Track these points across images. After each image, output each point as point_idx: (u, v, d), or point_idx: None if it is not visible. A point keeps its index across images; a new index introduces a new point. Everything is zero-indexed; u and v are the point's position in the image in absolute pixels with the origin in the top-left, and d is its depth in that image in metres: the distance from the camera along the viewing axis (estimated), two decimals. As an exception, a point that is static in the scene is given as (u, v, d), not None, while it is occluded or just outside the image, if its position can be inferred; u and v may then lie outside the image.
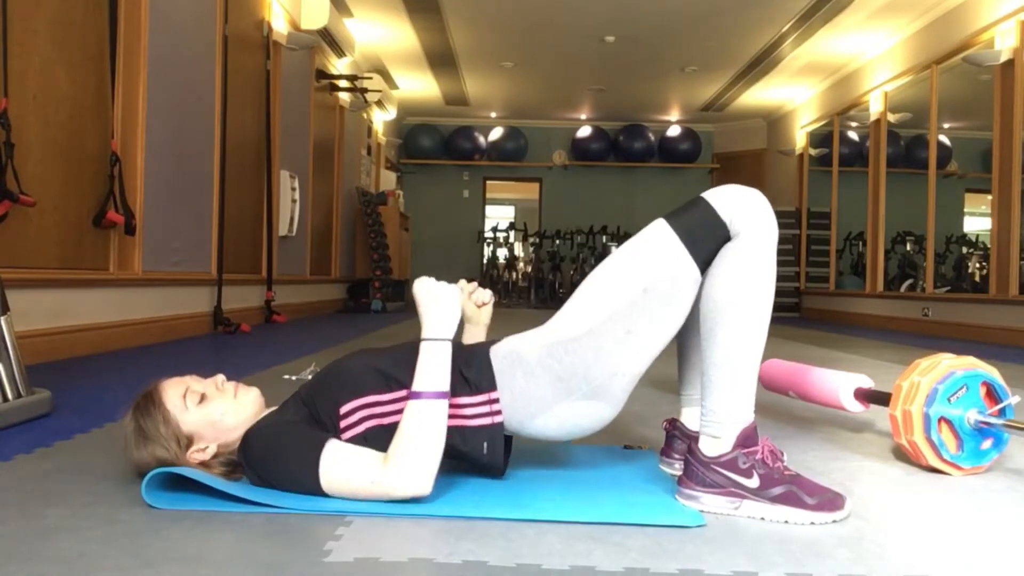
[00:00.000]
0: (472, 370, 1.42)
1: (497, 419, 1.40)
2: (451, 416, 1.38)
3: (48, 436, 1.84)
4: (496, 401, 1.40)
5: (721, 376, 1.38)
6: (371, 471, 1.30)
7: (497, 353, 1.44)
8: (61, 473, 1.52)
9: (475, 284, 1.64)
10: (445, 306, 1.39)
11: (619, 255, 1.45)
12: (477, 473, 1.48)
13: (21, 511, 1.28)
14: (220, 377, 1.45)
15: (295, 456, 1.33)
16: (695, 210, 1.42)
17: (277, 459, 1.34)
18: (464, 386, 1.41)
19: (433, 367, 1.35)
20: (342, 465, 1.31)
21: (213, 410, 1.39)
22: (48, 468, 1.56)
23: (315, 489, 1.32)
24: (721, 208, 1.40)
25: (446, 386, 1.35)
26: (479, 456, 1.40)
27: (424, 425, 1.31)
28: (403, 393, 1.38)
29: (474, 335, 1.68)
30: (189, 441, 1.37)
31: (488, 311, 1.69)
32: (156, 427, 1.35)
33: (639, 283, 1.40)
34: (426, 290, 1.40)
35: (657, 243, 1.42)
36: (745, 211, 1.39)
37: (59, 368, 3.03)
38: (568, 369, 1.39)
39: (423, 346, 1.37)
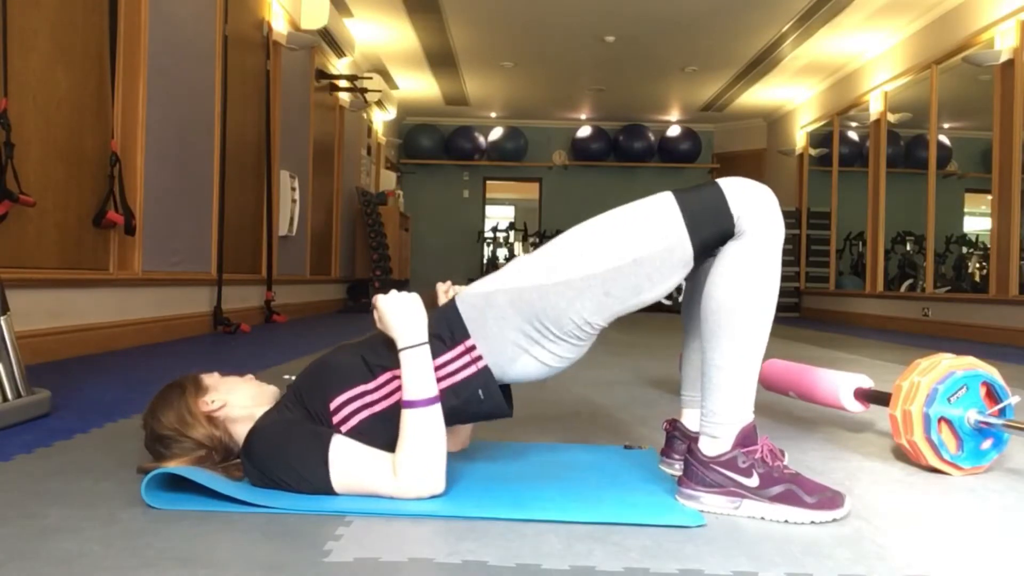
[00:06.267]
0: (443, 326, 1.42)
1: (481, 364, 1.40)
2: (439, 379, 1.39)
3: (48, 436, 1.84)
4: (474, 348, 1.40)
5: (722, 378, 1.37)
6: (386, 484, 1.33)
7: (464, 300, 1.44)
8: (61, 473, 1.52)
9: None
10: (409, 311, 1.40)
11: (618, 216, 1.41)
12: (487, 420, 1.49)
13: (21, 511, 1.27)
14: (248, 375, 1.55)
15: (302, 454, 1.34)
16: (706, 193, 1.39)
17: (282, 457, 1.35)
18: (439, 344, 1.41)
19: (418, 374, 1.36)
20: (354, 471, 1.34)
21: (230, 378, 1.51)
22: (48, 468, 1.56)
23: (324, 487, 1.33)
24: (733, 200, 1.36)
25: (435, 390, 1.37)
26: (478, 405, 1.41)
27: (423, 433, 1.34)
28: (388, 376, 1.40)
29: None
30: (203, 390, 1.45)
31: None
32: (179, 379, 1.47)
33: (631, 252, 1.37)
34: (387, 303, 1.42)
35: (659, 216, 1.38)
36: (756, 211, 1.36)
37: (59, 368, 3.02)
38: (540, 313, 1.38)
39: (403, 356, 1.37)
